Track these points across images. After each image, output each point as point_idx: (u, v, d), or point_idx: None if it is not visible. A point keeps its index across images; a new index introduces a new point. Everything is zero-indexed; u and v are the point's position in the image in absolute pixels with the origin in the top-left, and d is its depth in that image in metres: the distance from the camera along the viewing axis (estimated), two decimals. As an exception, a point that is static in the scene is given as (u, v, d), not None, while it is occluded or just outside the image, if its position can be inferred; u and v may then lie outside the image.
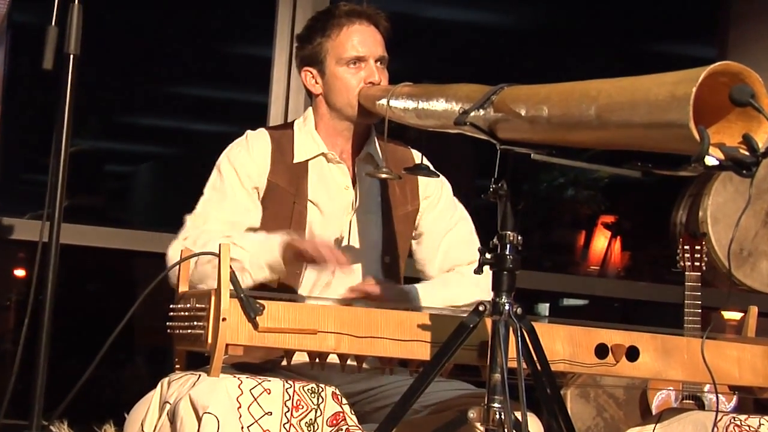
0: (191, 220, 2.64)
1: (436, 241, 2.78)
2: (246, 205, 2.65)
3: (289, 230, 2.59)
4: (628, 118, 1.79)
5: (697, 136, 1.68)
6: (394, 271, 2.75)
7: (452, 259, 2.76)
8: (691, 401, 3.62)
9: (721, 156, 1.75)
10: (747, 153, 1.75)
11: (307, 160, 2.72)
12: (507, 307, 2.05)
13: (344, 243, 2.69)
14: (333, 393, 2.22)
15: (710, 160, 1.73)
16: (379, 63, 2.72)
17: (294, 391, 2.20)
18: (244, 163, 2.67)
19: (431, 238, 2.79)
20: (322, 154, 2.73)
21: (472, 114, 2.12)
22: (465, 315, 2.13)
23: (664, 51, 6.64)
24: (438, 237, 2.79)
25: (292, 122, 2.82)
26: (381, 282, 2.63)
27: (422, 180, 2.76)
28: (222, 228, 2.59)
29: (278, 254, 2.50)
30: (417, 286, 2.69)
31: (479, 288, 2.59)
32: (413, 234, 2.81)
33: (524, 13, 6.56)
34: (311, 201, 2.69)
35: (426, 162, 2.74)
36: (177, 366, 2.40)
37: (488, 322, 2.10)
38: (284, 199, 2.67)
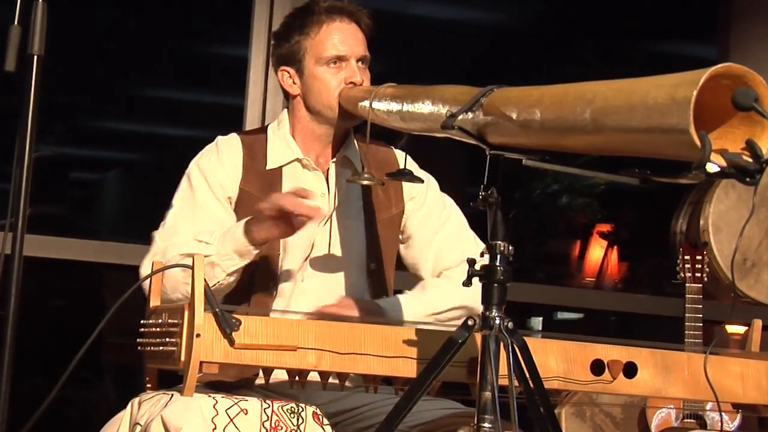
0: (160, 237, 2.63)
1: (426, 244, 2.79)
2: (219, 216, 2.64)
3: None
4: (625, 123, 1.80)
5: (698, 142, 1.69)
6: (380, 279, 2.75)
7: (443, 261, 2.77)
8: (692, 420, 3.63)
9: (723, 163, 1.75)
10: (750, 159, 1.76)
11: (281, 167, 2.72)
12: (498, 322, 2.06)
13: (323, 252, 2.70)
14: (314, 413, 2.23)
15: (712, 167, 1.73)
16: (360, 63, 2.73)
17: (272, 411, 2.20)
18: (215, 172, 2.67)
19: (420, 241, 2.80)
20: (297, 159, 2.73)
21: (460, 117, 2.12)
22: (453, 329, 2.14)
23: (662, 50, 6.66)
24: (428, 240, 2.80)
25: (266, 126, 2.82)
26: (358, 302, 2.63)
27: None
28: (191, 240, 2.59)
29: (242, 236, 2.51)
30: (398, 297, 2.70)
31: (462, 290, 2.59)
32: (400, 237, 2.81)
33: (516, 11, 6.58)
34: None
35: (411, 163, 2.74)
36: (148, 385, 2.40)
37: (478, 337, 2.10)
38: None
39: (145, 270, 2.56)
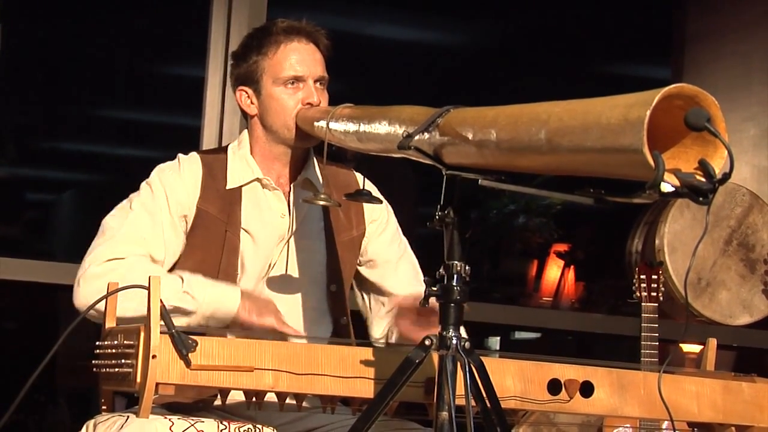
0: (109, 232, 2.62)
1: (393, 264, 2.81)
2: (169, 240, 2.64)
3: (242, 287, 2.62)
4: (580, 143, 1.81)
5: (651, 162, 1.71)
6: (340, 300, 2.75)
7: (415, 283, 2.78)
8: (648, 439, 3.66)
9: (677, 182, 1.77)
10: (703, 179, 1.78)
11: (241, 186, 2.72)
12: (454, 342, 2.06)
13: (282, 272, 2.70)
14: (271, 434, 2.22)
15: (665, 187, 1.75)
16: (318, 83, 2.73)
17: (229, 432, 2.20)
18: (175, 188, 2.67)
19: (387, 262, 2.81)
20: (257, 179, 2.73)
21: (417, 137, 2.13)
22: (410, 349, 2.14)
23: (618, 72, 6.72)
24: (393, 261, 2.81)
25: (226, 146, 2.82)
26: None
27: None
28: (141, 258, 2.58)
29: (233, 315, 2.54)
30: None
31: None
32: (359, 260, 2.82)
33: (473, 33, 6.62)
34: (244, 229, 2.69)
35: (370, 185, 2.75)
36: (103, 407, 2.39)
37: (435, 357, 2.11)
38: (215, 227, 2.67)
39: (91, 257, 2.56)
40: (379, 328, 2.81)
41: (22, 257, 3.76)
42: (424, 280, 2.12)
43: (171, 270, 2.64)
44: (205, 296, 2.54)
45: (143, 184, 2.69)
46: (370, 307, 2.84)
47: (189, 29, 4.60)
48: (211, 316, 2.54)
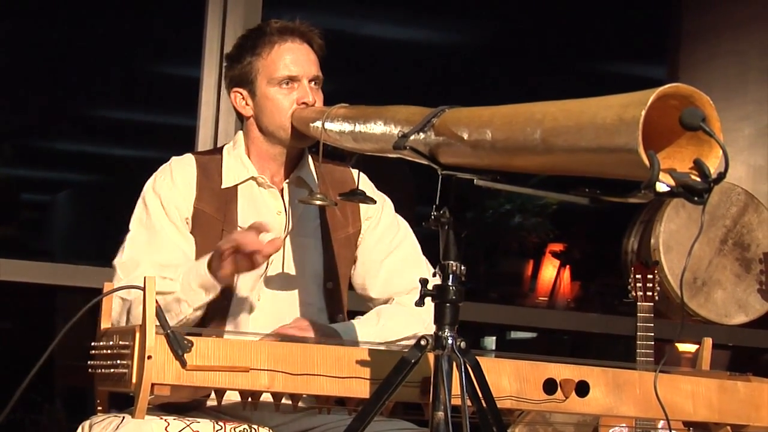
0: (122, 269, 2.62)
1: (376, 266, 2.79)
2: (177, 244, 2.64)
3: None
4: (575, 143, 1.81)
5: (646, 162, 1.71)
6: (336, 298, 2.75)
7: (394, 286, 2.77)
8: (644, 438, 3.66)
9: (672, 182, 1.77)
10: (698, 179, 1.78)
11: (236, 185, 2.72)
12: (450, 341, 2.06)
13: (279, 270, 2.70)
14: (267, 434, 2.22)
15: (661, 187, 1.75)
16: (313, 83, 2.73)
17: (225, 433, 2.20)
18: (169, 194, 2.67)
19: (369, 263, 2.79)
20: (252, 178, 2.73)
21: (412, 138, 2.13)
22: (406, 350, 2.14)
23: (613, 71, 6.73)
24: (377, 261, 2.79)
25: (222, 147, 2.82)
26: (315, 324, 2.62)
27: None
28: (155, 273, 2.58)
29: (205, 272, 2.51)
30: (353, 323, 2.70)
31: (416, 319, 2.61)
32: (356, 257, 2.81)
33: (468, 32, 6.62)
34: (241, 227, 2.69)
35: (367, 182, 2.75)
36: (99, 408, 2.39)
37: (431, 357, 2.11)
38: (212, 227, 2.67)
39: (113, 304, 2.54)
40: None
41: (17, 258, 3.76)
42: (419, 280, 2.12)
43: None
44: (180, 273, 2.53)
45: (139, 201, 2.69)
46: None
47: (184, 29, 4.59)
48: (201, 285, 2.51)
